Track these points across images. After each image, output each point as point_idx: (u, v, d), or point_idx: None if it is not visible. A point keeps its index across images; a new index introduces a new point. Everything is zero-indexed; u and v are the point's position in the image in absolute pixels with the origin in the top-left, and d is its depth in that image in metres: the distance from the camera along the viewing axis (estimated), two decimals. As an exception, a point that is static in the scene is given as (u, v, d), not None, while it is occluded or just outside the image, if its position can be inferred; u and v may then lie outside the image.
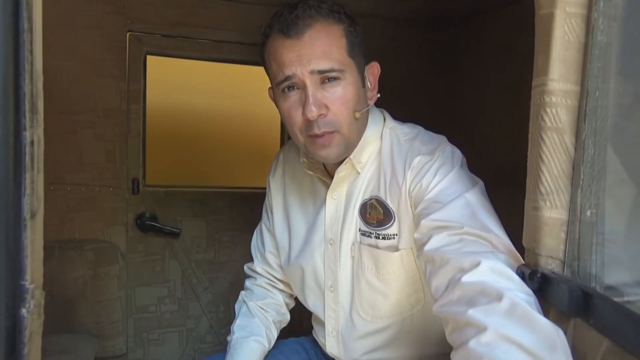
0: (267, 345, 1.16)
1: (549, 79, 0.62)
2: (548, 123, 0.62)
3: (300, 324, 1.87)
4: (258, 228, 1.28)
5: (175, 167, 2.69)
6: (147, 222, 1.79)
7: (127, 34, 1.71)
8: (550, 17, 0.62)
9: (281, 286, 1.24)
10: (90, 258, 1.70)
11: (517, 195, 0.85)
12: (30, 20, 0.45)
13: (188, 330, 1.90)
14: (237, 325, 1.17)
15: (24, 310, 0.45)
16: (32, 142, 0.46)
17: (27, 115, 0.45)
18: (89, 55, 1.67)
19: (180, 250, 1.87)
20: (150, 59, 1.79)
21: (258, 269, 1.25)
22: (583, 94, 0.61)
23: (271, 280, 1.24)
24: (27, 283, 0.45)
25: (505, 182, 1.01)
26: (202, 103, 2.85)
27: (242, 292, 1.26)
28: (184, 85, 2.71)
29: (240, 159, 2.90)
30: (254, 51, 1.91)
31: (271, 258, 1.22)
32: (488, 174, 0.99)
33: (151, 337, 1.86)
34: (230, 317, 1.96)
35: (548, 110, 0.62)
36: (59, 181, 1.67)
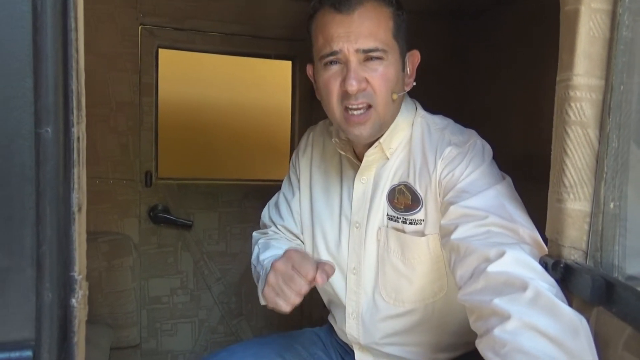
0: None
1: (573, 74, 0.63)
2: (572, 117, 0.63)
3: (309, 315, 1.88)
4: (274, 201, 1.27)
5: (188, 160, 2.71)
6: (160, 215, 1.81)
7: (140, 28, 1.72)
8: (575, 13, 0.63)
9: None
10: (105, 250, 1.73)
11: (532, 189, 0.86)
12: (76, 19, 0.46)
13: (200, 321, 1.93)
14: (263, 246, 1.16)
15: (74, 300, 0.46)
16: (78, 138, 0.47)
17: (75, 112, 0.46)
18: (102, 49, 1.68)
19: (192, 242, 1.89)
20: (162, 52, 1.80)
21: (273, 228, 1.24)
22: (607, 88, 0.62)
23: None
24: (76, 274, 0.46)
25: (520, 176, 1.02)
26: (214, 96, 2.86)
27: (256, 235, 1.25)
28: (196, 78, 2.72)
29: (251, 152, 2.91)
30: (265, 44, 1.91)
31: (287, 229, 1.22)
32: (503, 168, 1.01)
33: (164, 327, 1.88)
34: (242, 308, 1.98)
35: (573, 104, 0.63)
36: None
